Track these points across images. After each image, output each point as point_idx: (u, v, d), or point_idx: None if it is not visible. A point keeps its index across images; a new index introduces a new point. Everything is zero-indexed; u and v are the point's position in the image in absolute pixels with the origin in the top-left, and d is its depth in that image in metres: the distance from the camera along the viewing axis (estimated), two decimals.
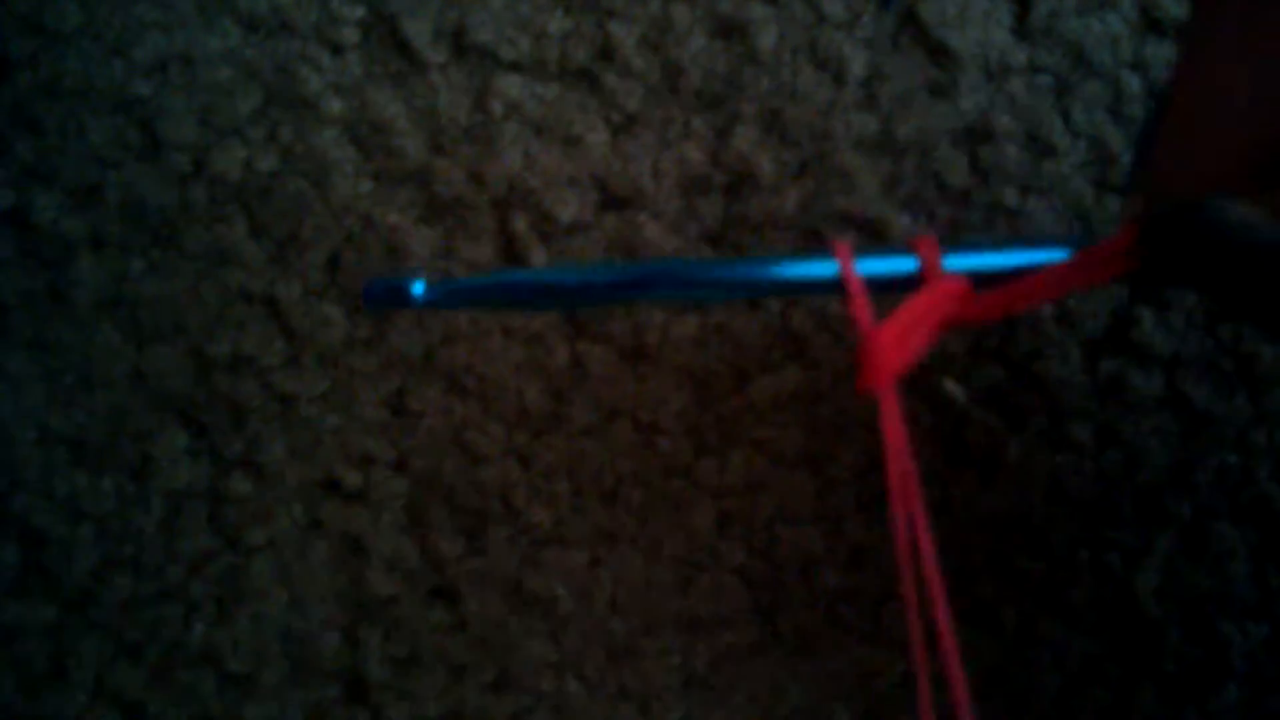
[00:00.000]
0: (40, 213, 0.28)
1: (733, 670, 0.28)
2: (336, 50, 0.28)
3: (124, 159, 0.28)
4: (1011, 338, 0.28)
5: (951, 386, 0.28)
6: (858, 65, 0.28)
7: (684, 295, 0.23)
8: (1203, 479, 0.28)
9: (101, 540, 0.28)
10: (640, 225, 0.28)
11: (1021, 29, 0.28)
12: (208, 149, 0.28)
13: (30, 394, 0.28)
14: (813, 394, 0.28)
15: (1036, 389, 0.28)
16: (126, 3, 0.28)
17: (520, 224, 0.28)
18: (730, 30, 0.28)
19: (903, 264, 0.20)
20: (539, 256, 0.28)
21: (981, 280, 0.20)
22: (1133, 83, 0.28)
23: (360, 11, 0.28)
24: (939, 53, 0.28)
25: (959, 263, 0.20)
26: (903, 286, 0.20)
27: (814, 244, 0.28)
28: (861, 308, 0.20)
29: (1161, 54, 0.28)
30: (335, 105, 0.28)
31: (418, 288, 0.21)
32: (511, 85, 0.28)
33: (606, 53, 0.28)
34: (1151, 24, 0.28)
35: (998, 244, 0.21)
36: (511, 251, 0.28)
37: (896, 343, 0.19)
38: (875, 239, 0.28)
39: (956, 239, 0.28)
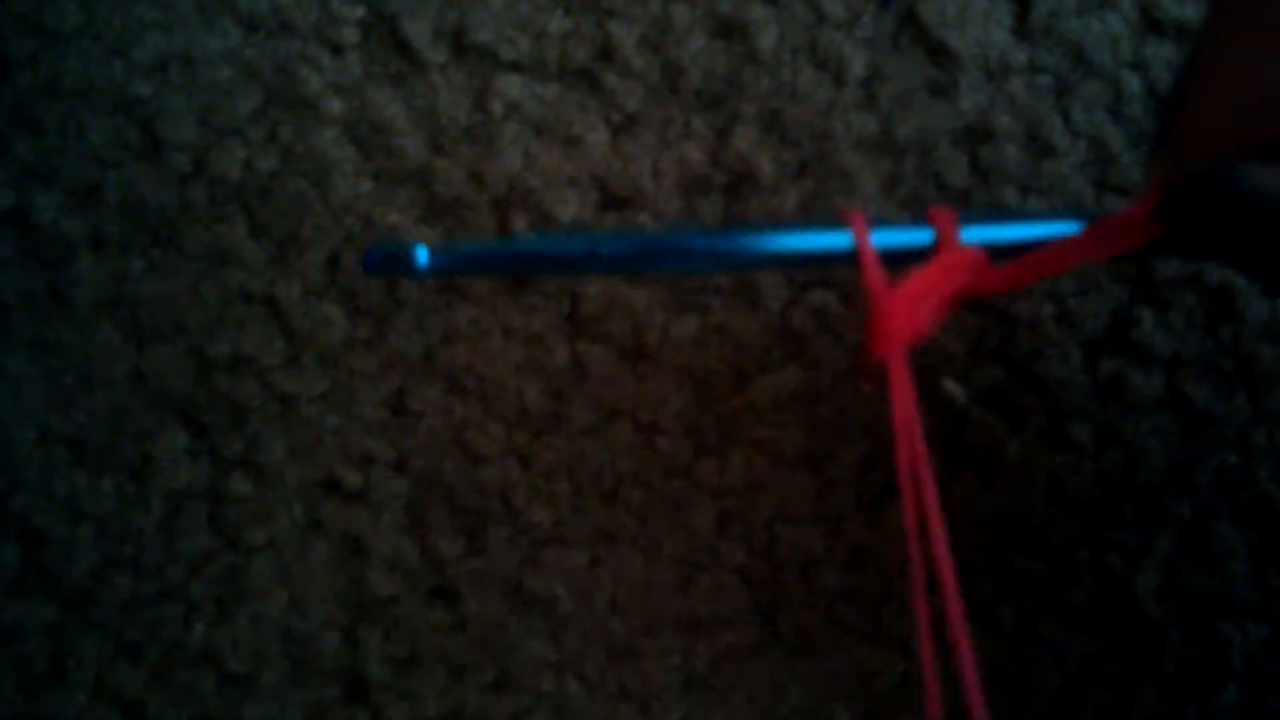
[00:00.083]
0: (40, 213, 0.28)
1: (733, 670, 0.28)
2: (336, 50, 0.28)
3: (124, 159, 0.28)
4: (1011, 338, 0.28)
5: (951, 386, 0.28)
6: (858, 65, 0.28)
7: (691, 267, 0.23)
8: (1203, 479, 0.28)
9: (101, 540, 0.28)
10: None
11: (1021, 29, 0.28)
12: (208, 149, 0.28)
13: (30, 394, 0.28)
14: (813, 394, 0.28)
15: (1036, 389, 0.28)
16: (126, 3, 0.28)
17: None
18: (730, 30, 0.28)
19: (918, 235, 0.20)
20: None
21: (997, 253, 0.20)
22: (1133, 83, 0.28)
23: (360, 11, 0.28)
24: (939, 53, 0.28)
25: (975, 234, 0.20)
26: (917, 259, 0.20)
27: None
28: (873, 273, 0.19)
29: (1162, 54, 0.28)
30: (335, 105, 0.28)
31: (421, 254, 0.20)
32: (511, 85, 0.28)
33: (606, 53, 0.28)
34: (1151, 24, 0.28)
35: (1014, 215, 0.20)
36: None
37: (908, 309, 0.19)
38: None
39: (972, 208, 0.28)
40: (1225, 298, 0.28)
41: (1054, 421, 0.28)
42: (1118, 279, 0.28)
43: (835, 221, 0.20)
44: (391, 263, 0.20)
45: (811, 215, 0.28)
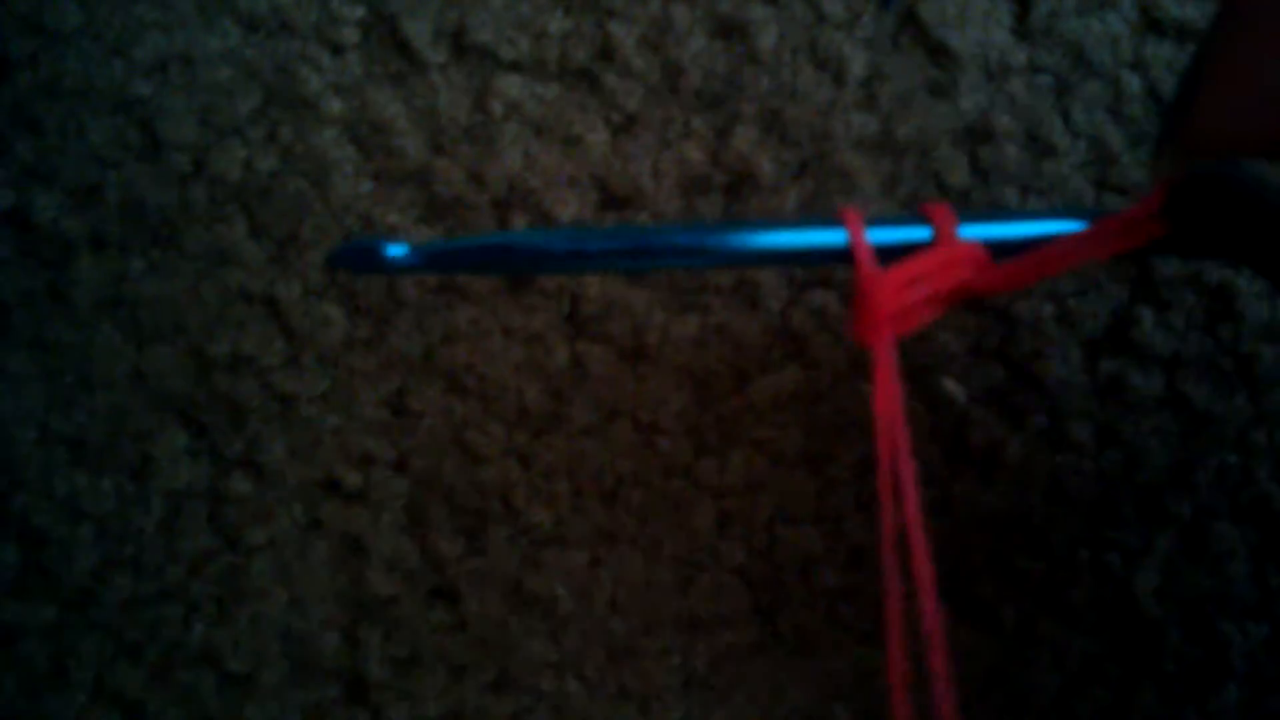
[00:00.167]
0: (40, 213, 0.28)
1: (733, 670, 0.28)
2: (336, 50, 0.28)
3: (124, 159, 0.28)
4: (1011, 338, 0.28)
5: (951, 386, 0.28)
6: (858, 65, 0.28)
7: (681, 264, 0.22)
8: (1203, 479, 0.28)
9: (101, 540, 0.28)
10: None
11: (1021, 29, 0.28)
12: (208, 149, 0.28)
13: (30, 394, 0.28)
14: (813, 394, 0.28)
15: (1036, 389, 0.28)
16: (126, 3, 0.28)
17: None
18: (730, 30, 0.28)
19: (915, 232, 0.20)
20: None
21: (998, 252, 0.20)
22: (1133, 83, 0.28)
23: (360, 11, 0.28)
24: (939, 53, 0.28)
25: (974, 232, 0.20)
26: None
27: None
28: (864, 259, 0.19)
29: (1162, 54, 0.28)
30: (335, 105, 0.28)
31: (393, 250, 0.19)
32: (511, 85, 0.28)
33: (606, 53, 0.28)
34: (1151, 24, 0.28)
35: (1015, 214, 0.20)
36: None
37: (896, 292, 0.18)
38: None
39: (972, 208, 0.27)
40: (1225, 298, 0.28)
41: (1054, 421, 0.28)
42: (1118, 279, 0.28)
43: (830, 218, 0.20)
44: (361, 259, 0.19)
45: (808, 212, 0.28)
